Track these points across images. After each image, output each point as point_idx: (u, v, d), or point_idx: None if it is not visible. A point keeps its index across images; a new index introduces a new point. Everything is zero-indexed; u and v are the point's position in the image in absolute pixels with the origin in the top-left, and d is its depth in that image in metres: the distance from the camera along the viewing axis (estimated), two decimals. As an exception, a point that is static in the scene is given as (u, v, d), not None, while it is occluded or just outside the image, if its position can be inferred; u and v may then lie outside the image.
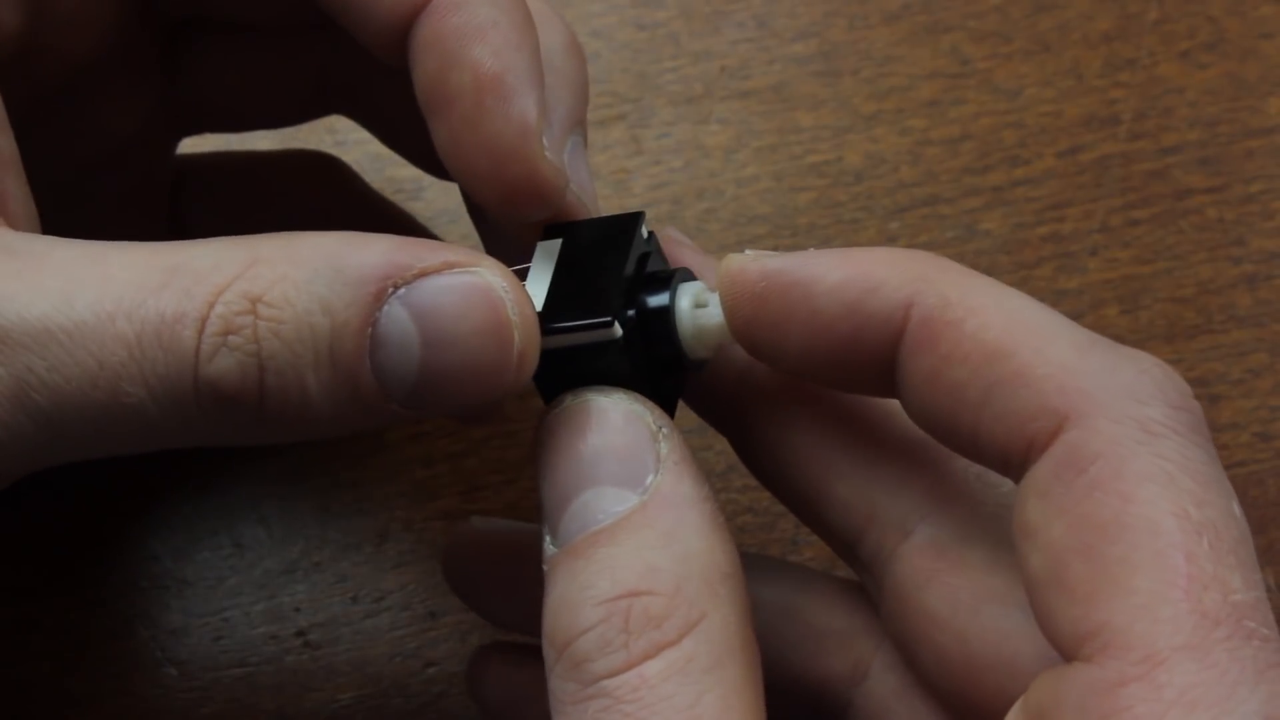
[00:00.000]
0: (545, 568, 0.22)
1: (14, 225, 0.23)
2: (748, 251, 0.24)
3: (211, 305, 0.21)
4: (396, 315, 0.22)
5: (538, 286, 0.24)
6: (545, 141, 0.24)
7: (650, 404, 0.23)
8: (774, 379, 0.26)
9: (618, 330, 0.23)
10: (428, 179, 0.38)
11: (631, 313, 0.24)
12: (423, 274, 0.22)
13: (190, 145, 0.33)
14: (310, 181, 0.34)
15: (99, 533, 0.35)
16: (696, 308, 0.24)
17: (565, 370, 0.24)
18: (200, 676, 0.34)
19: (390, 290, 0.22)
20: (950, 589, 0.24)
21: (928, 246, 0.38)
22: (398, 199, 0.38)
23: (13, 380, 0.20)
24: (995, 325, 0.22)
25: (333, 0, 0.26)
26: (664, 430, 0.23)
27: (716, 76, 0.40)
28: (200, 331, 0.21)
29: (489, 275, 0.22)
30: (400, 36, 0.25)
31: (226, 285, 0.21)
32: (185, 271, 0.21)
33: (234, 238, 0.22)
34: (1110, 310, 0.37)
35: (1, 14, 0.25)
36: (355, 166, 0.35)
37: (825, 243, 0.38)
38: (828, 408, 0.26)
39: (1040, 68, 0.40)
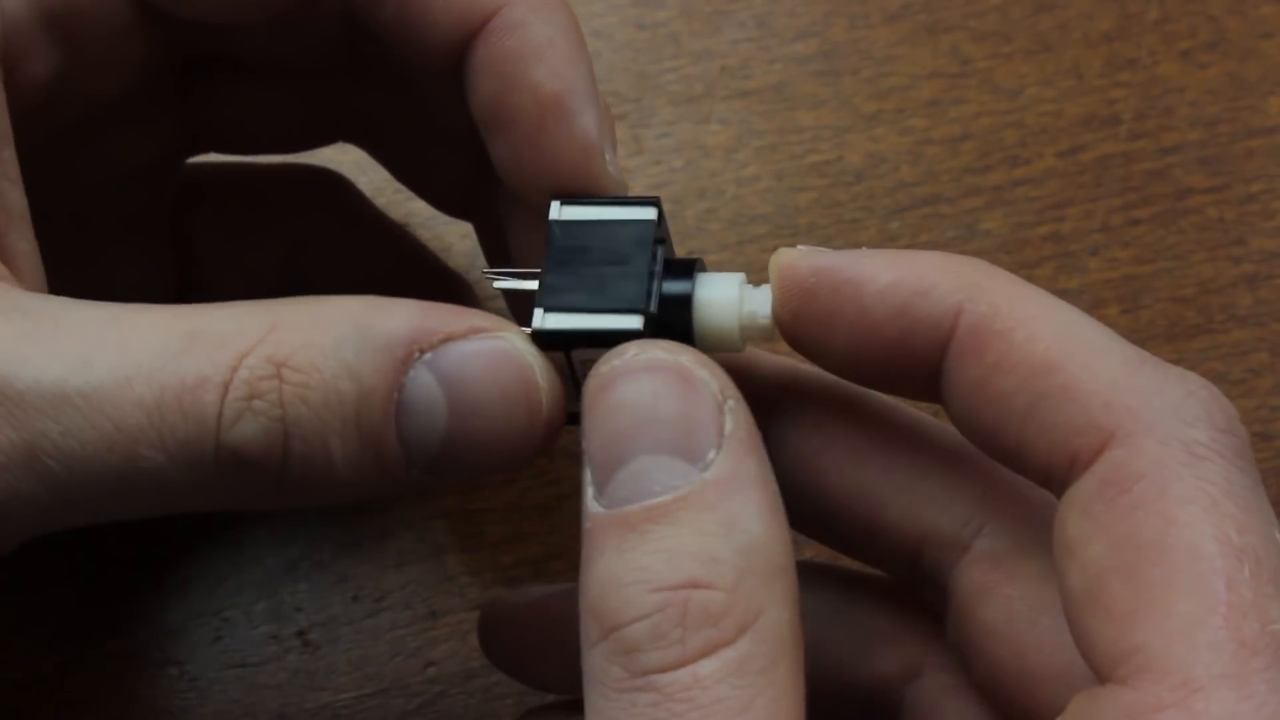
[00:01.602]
0: (586, 524, 0.21)
1: (22, 281, 0.23)
2: (800, 247, 0.23)
3: (235, 370, 0.21)
4: (423, 381, 0.21)
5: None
6: (607, 157, 0.24)
7: (717, 369, 0.22)
8: (799, 430, 0.25)
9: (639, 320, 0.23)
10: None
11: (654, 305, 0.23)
12: (449, 339, 0.21)
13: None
14: (313, 198, 0.34)
15: (98, 531, 0.35)
16: (744, 299, 0.24)
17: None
18: (200, 676, 0.33)
19: (417, 355, 0.21)
20: (1007, 600, 0.23)
21: (928, 246, 0.38)
22: (397, 198, 0.38)
23: (25, 445, 0.20)
24: (1045, 337, 0.22)
25: (384, 26, 0.26)
26: (730, 402, 0.21)
27: (717, 76, 0.40)
28: (223, 396, 0.21)
29: (517, 341, 0.22)
30: (455, 60, 0.25)
31: (249, 350, 0.21)
32: (205, 336, 0.21)
33: (252, 302, 0.22)
34: (1110, 310, 0.37)
35: (35, 66, 0.25)
36: (355, 165, 0.35)
37: (824, 242, 0.38)
38: (862, 439, 0.25)
39: (1040, 67, 0.40)
